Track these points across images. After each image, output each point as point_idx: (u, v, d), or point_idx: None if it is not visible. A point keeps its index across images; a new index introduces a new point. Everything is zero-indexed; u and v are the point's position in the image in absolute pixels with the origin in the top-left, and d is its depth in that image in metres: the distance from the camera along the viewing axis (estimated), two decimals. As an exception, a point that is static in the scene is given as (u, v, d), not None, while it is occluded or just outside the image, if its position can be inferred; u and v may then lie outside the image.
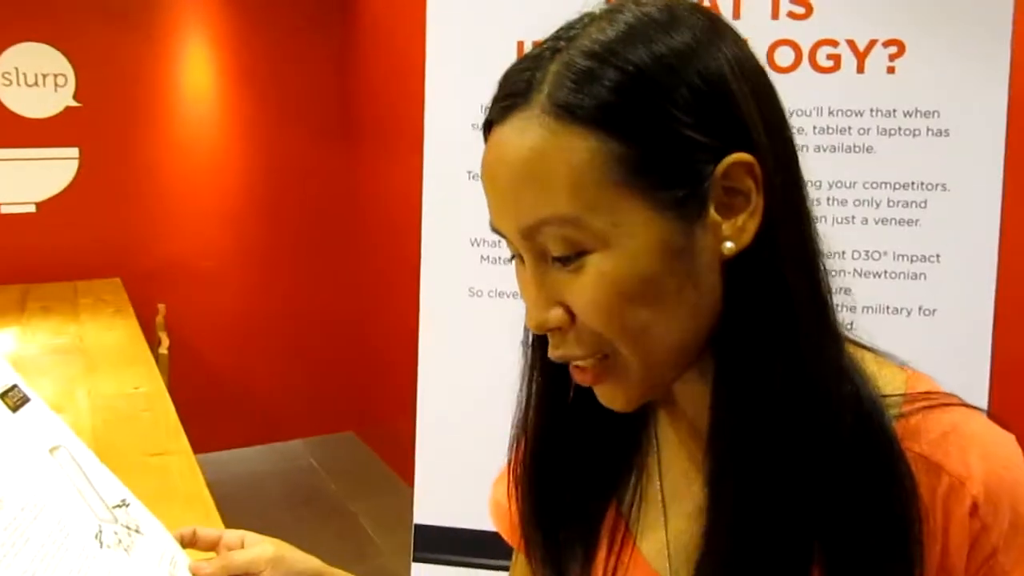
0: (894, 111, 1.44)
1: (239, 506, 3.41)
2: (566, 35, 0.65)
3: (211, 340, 4.54)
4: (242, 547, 0.82)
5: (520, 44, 1.54)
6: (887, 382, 0.68)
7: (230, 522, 1.75)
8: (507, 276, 1.58)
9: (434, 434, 1.61)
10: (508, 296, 1.58)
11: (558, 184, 0.61)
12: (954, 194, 1.44)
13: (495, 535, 1.58)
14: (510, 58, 1.54)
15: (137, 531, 0.74)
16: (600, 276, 0.62)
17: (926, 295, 1.47)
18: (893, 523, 0.63)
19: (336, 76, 4.68)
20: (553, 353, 0.67)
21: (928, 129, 1.44)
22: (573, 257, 0.63)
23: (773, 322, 0.64)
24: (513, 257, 0.69)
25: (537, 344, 0.74)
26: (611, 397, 0.68)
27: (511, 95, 0.64)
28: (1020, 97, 1.43)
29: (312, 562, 0.84)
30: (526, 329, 0.74)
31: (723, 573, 0.65)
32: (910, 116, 1.43)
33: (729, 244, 0.63)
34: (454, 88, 1.56)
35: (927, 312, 1.48)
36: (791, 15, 1.46)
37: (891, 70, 1.43)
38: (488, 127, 0.66)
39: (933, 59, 1.43)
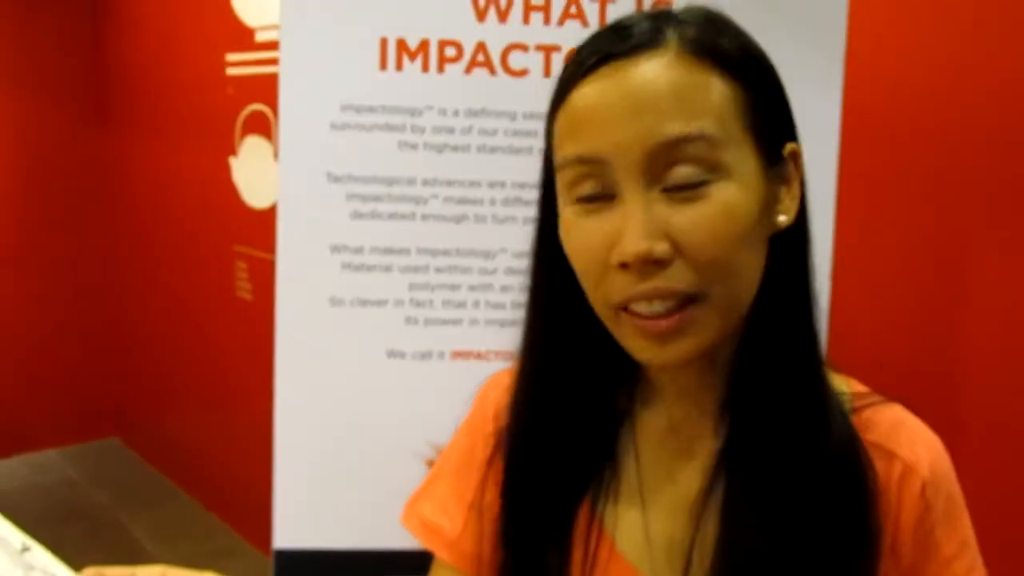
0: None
1: None
2: (665, 14, 0.70)
3: (-56, 343, 4.03)
4: None
5: (384, 41, 1.47)
6: (832, 381, 0.76)
7: None
8: (370, 284, 1.53)
9: (294, 451, 1.52)
10: (371, 304, 1.51)
11: (705, 109, 0.65)
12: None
13: (364, 554, 1.53)
14: (374, 57, 1.49)
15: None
16: (722, 205, 0.65)
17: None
18: (862, 504, 0.71)
19: (91, 51, 4.27)
20: (641, 287, 0.66)
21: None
22: (698, 184, 0.65)
23: (802, 305, 0.72)
24: (589, 199, 0.68)
25: (540, 353, 0.78)
26: (676, 349, 0.68)
27: (636, 43, 0.67)
28: (852, 106, 1.52)
29: None
30: (535, 330, 0.78)
31: (743, 560, 0.70)
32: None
33: (783, 217, 0.71)
34: (312, 87, 1.46)
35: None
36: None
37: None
38: (596, 64, 0.67)
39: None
